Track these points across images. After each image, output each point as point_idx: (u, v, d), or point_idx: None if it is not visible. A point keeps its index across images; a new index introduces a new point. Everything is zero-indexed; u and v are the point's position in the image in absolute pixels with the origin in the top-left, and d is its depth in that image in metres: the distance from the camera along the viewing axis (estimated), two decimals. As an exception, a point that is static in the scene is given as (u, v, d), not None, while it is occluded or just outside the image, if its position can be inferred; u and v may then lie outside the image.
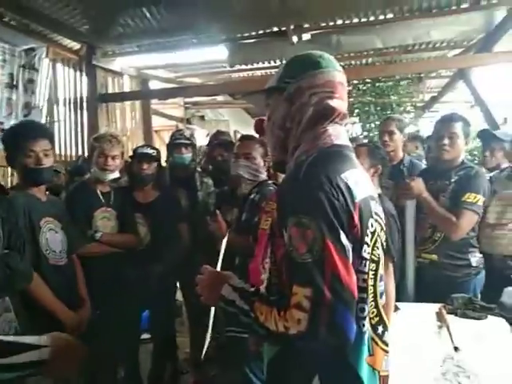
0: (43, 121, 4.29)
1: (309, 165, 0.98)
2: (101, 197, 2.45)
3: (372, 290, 1.02)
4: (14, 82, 3.90)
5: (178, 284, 3.01)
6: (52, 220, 1.99)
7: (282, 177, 1.66)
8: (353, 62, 5.29)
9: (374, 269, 1.02)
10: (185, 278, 2.80)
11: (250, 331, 0.98)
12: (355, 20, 3.94)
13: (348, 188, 0.95)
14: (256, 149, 2.25)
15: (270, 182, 2.27)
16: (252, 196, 2.21)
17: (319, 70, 1.07)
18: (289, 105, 1.09)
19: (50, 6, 3.56)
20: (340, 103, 1.09)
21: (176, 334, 3.04)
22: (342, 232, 0.92)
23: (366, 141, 3.92)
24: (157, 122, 6.14)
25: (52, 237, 1.97)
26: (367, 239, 0.99)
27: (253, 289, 1.03)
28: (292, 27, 3.95)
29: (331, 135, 1.06)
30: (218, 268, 1.25)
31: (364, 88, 6.35)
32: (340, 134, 1.09)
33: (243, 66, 5.20)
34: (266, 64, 4.84)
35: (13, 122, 3.79)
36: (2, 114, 3.75)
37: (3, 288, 1.61)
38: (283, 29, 4.02)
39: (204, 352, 1.37)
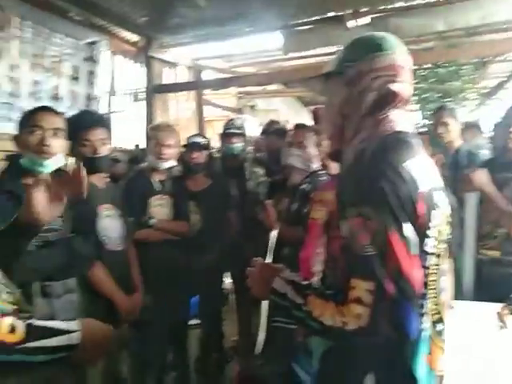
0: (103, 112, 4.48)
1: (370, 153, 0.94)
2: (156, 185, 2.51)
3: (433, 286, 0.97)
4: (77, 75, 4.08)
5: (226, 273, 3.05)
6: (110, 207, 2.06)
7: (335, 167, 1.61)
8: (412, 47, 5.04)
9: (435, 264, 0.96)
10: (234, 267, 2.83)
11: (303, 326, 0.95)
12: (416, 1, 3.74)
13: (411, 177, 0.90)
14: (309, 138, 2.21)
15: (322, 171, 2.22)
16: (303, 186, 2.18)
17: (382, 53, 1.02)
18: (348, 90, 1.05)
19: (111, -1, 3.69)
20: (403, 87, 1.03)
21: (223, 323, 3.09)
22: (406, 224, 0.87)
23: (425, 129, 3.75)
24: (209, 112, 6.21)
25: (109, 223, 2.04)
26: (430, 232, 0.93)
27: (306, 282, 1.00)
28: (348, 12, 3.82)
29: (393, 121, 1.01)
30: (268, 260, 1.24)
31: (424, 74, 6.05)
32: (403, 119, 1.03)
33: (297, 54, 5.12)
34: (322, 51, 4.73)
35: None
36: (65, 106, 3.94)
37: (67, 271, 1.70)
38: (339, 13, 3.90)
39: (257, 347, 1.37)
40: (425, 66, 5.87)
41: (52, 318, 1.33)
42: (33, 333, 0.87)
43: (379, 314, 0.84)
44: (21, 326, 0.87)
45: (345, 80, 1.06)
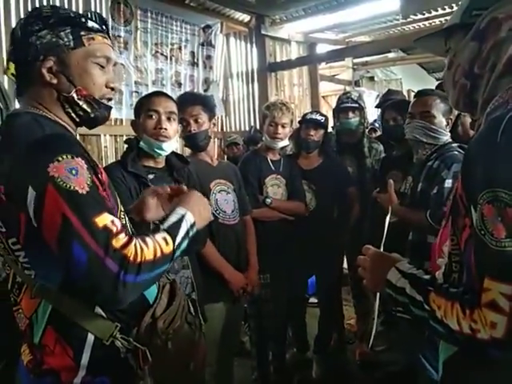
0: (220, 94, 4.63)
1: (509, 122, 0.73)
2: (271, 164, 2.50)
3: None
4: (195, 60, 4.26)
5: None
6: (223, 182, 2.09)
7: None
8: None
9: None
10: (351, 249, 2.71)
11: (424, 326, 0.81)
12: None
13: None
14: (436, 105, 1.93)
15: (454, 145, 1.94)
16: (430, 163, 1.93)
17: None
18: (478, 44, 0.86)
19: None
20: None
21: (343, 303, 3.01)
22: None
23: None
24: (324, 87, 6.02)
25: (222, 198, 2.06)
26: None
27: (427, 276, 0.85)
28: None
29: None
30: (381, 248, 1.09)
31: None
32: None
33: (418, 16, 4.66)
34: (445, 10, 4.22)
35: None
36: (186, 90, 4.15)
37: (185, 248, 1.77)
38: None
39: (371, 342, 1.26)
40: None
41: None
42: (173, 234, 0.95)
43: None
44: (164, 234, 0.94)
45: (473, 33, 0.87)
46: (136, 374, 1.00)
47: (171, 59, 3.98)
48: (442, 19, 4.73)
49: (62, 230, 0.84)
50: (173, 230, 0.96)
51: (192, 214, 1.03)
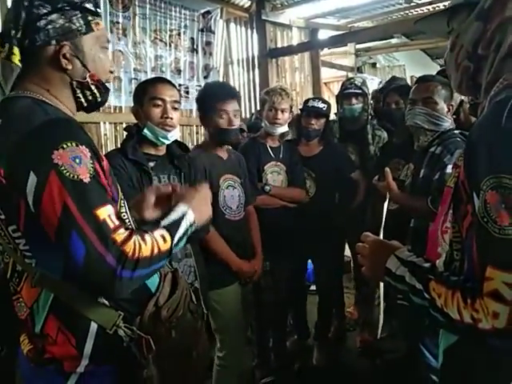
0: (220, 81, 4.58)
1: None
2: (270, 151, 2.48)
3: None
4: (195, 46, 4.20)
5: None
6: (231, 177, 2.08)
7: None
8: None
9: None
10: (353, 237, 2.70)
11: (424, 315, 0.80)
12: None
13: None
14: (437, 91, 1.90)
15: (456, 131, 1.92)
16: (432, 149, 1.91)
17: None
18: (483, 24, 0.83)
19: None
20: None
21: (344, 291, 3.01)
22: None
23: None
24: (326, 73, 5.95)
25: (229, 194, 2.06)
26: None
27: (427, 264, 0.83)
28: None
29: None
30: (381, 236, 1.08)
31: None
32: None
33: (422, 0, 4.58)
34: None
35: (195, 84, 4.14)
36: (185, 77, 4.11)
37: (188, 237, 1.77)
38: None
39: (380, 332, 1.25)
40: None
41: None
42: (172, 232, 0.95)
43: None
44: (163, 231, 0.94)
45: (478, 12, 0.84)
46: (139, 362, 1.01)
47: (170, 46, 3.92)
48: (445, 3, 4.64)
49: (62, 219, 0.83)
50: (172, 228, 0.96)
51: (193, 212, 1.03)
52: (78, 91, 1.01)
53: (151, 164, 1.69)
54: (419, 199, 1.83)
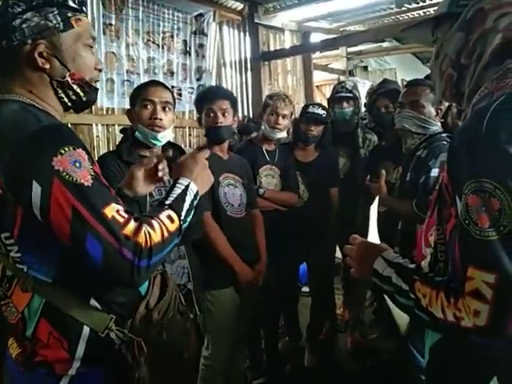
0: (213, 84, 4.59)
1: (494, 112, 0.74)
2: (266, 155, 2.50)
3: None
4: (188, 48, 4.21)
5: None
6: (232, 176, 2.10)
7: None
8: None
9: None
10: (343, 239, 2.72)
11: (409, 314, 0.83)
12: None
13: None
14: (425, 95, 1.94)
15: (443, 135, 1.96)
16: (419, 153, 1.94)
17: None
18: (465, 34, 0.86)
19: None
20: None
21: (335, 292, 3.03)
22: None
23: None
24: (318, 76, 5.99)
25: (230, 191, 2.07)
26: None
27: (413, 265, 0.86)
28: None
29: None
30: (369, 238, 1.11)
31: None
32: None
33: (412, 5, 4.63)
34: (441, -1, 4.19)
35: (188, 86, 4.15)
36: (178, 80, 4.11)
37: (182, 238, 1.77)
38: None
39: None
40: None
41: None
42: (177, 210, 0.97)
43: (502, 312, 0.69)
44: (169, 212, 0.96)
45: (460, 23, 0.87)
46: (131, 364, 1.01)
47: (163, 48, 3.93)
48: (436, 8, 4.70)
49: (74, 224, 0.84)
50: (177, 205, 0.98)
51: (195, 183, 1.05)
52: (60, 91, 0.99)
53: None
54: (405, 202, 1.87)
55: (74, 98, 1.01)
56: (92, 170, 0.89)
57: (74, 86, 1.00)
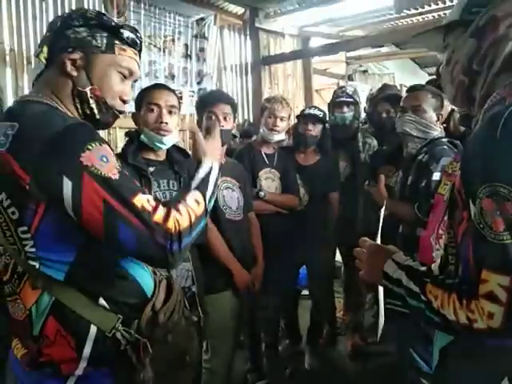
0: (213, 87, 4.61)
1: (508, 118, 0.75)
2: (265, 158, 2.51)
3: None
4: (188, 52, 4.23)
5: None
6: (229, 180, 2.11)
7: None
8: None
9: None
10: (344, 242, 2.73)
11: (421, 317, 0.84)
12: None
13: None
14: (427, 100, 1.96)
15: (444, 139, 1.98)
16: (420, 157, 1.96)
17: None
18: (477, 42, 0.87)
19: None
20: None
21: (335, 295, 3.04)
22: None
23: None
24: (318, 81, 6.02)
25: (229, 194, 2.08)
26: None
27: (423, 267, 0.87)
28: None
29: None
30: (378, 240, 1.12)
31: None
32: None
33: (412, 11, 4.66)
34: (438, 5, 4.22)
35: (188, 89, 4.18)
36: (179, 83, 4.13)
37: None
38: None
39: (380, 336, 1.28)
40: None
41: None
42: (203, 192, 1.03)
43: None
44: (195, 194, 1.02)
45: (471, 30, 0.88)
46: (136, 365, 1.02)
47: (164, 51, 3.96)
48: (435, 14, 4.74)
49: (107, 216, 0.88)
50: (203, 187, 1.05)
51: (216, 163, 1.13)
52: (77, 100, 1.04)
53: (151, 169, 1.70)
54: (406, 206, 1.88)
55: (87, 111, 1.06)
56: (118, 164, 0.94)
57: (91, 101, 1.05)
